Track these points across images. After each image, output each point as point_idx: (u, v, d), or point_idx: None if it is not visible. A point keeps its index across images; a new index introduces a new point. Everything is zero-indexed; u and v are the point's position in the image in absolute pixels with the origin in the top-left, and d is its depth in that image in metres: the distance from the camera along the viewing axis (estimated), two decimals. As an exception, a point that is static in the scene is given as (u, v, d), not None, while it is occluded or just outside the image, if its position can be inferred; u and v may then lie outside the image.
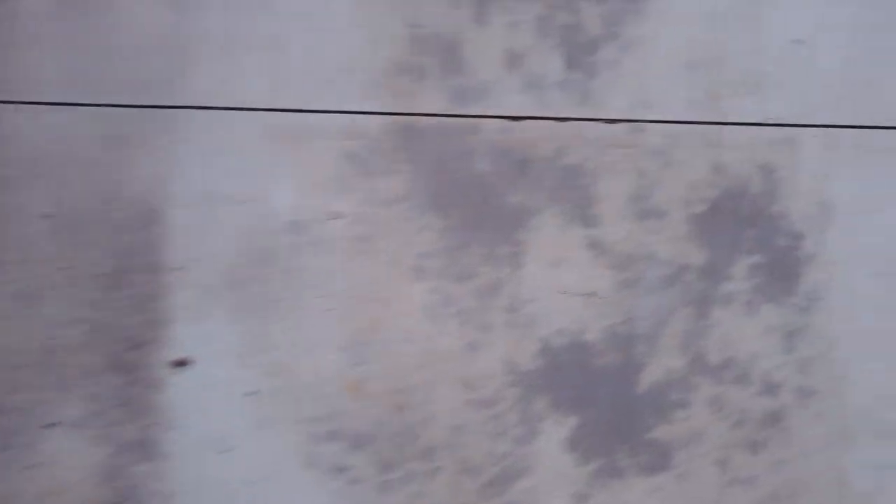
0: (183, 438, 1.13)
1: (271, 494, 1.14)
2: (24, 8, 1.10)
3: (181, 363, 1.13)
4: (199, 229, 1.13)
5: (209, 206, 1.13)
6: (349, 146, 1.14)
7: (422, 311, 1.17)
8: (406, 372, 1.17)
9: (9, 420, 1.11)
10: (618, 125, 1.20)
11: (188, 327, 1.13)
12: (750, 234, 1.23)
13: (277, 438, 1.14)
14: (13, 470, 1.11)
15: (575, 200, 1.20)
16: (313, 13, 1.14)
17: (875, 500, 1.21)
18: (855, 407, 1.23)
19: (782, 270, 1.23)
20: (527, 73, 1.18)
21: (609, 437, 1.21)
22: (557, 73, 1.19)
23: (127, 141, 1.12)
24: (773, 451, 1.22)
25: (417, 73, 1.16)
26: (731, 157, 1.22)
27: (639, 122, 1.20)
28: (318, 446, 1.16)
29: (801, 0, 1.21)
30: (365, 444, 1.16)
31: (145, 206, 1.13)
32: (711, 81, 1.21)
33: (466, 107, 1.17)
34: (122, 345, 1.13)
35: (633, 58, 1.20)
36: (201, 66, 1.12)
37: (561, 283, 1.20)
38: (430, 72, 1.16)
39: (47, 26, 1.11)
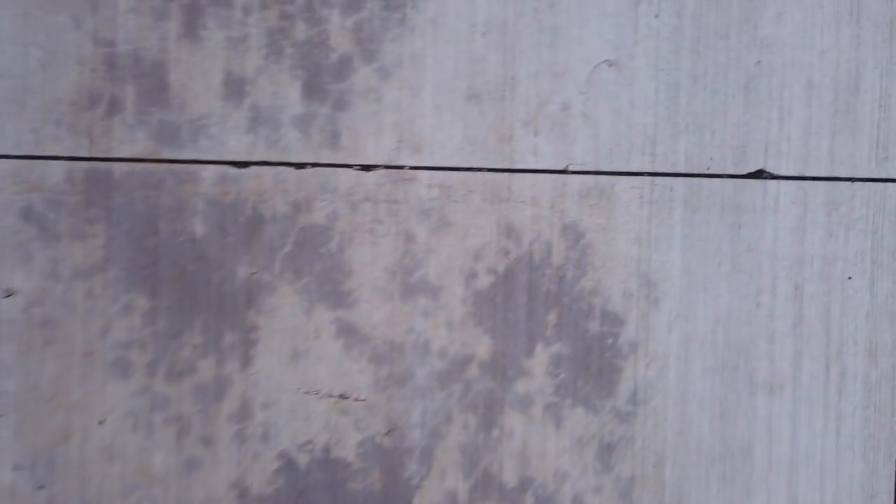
0: None
1: None
2: None
3: None
4: None
5: None
6: (24, 200, 1.04)
7: (124, 417, 1.06)
8: (106, 496, 1.06)
9: None
10: (376, 173, 1.10)
11: None
12: (552, 316, 1.12)
13: (-66, 587, 1.03)
14: None
15: (321, 273, 1.10)
16: (-26, 28, 1.05)
17: None
18: (692, 543, 1.16)
19: (596, 365, 1.13)
20: (255, 104, 1.09)
21: (371, 585, 1.11)
22: (296, 104, 1.09)
23: None
24: None
25: (111, 105, 1.06)
26: (525, 216, 1.12)
27: (404, 168, 1.10)
28: None
29: (612, 7, 1.11)
30: (51, 593, 1.06)
31: None
32: (499, 115, 1.11)
33: (177, 149, 1.07)
34: None
35: (397, 84, 1.10)
36: None
37: (305, 382, 1.09)
38: (127, 103, 1.07)
39: None
